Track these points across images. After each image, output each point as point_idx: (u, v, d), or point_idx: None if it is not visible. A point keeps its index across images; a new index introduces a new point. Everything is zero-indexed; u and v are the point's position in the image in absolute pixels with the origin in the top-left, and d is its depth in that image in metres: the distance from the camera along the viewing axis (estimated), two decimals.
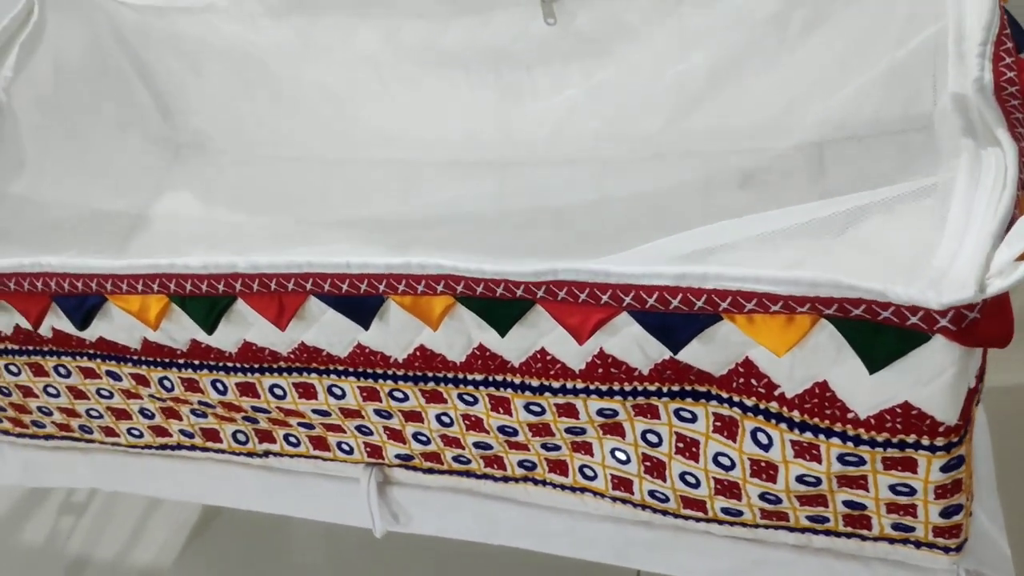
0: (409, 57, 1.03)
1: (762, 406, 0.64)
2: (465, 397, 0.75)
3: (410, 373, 0.75)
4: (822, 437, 0.62)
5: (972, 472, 0.65)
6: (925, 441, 0.58)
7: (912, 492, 0.63)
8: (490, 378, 0.73)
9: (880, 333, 0.54)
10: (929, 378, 0.55)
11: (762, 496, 0.69)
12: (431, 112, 1.10)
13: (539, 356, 0.69)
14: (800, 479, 0.66)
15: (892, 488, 0.63)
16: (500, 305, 0.66)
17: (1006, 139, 0.56)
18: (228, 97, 1.19)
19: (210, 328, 0.75)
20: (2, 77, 1.02)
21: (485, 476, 0.84)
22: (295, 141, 1.23)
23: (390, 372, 0.76)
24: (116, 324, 0.79)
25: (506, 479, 0.83)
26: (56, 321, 0.82)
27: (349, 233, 1.20)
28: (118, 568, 1.45)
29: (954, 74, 0.64)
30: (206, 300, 0.74)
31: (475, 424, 0.78)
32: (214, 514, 1.46)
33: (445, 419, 0.79)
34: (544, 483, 0.82)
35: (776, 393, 0.62)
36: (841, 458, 0.62)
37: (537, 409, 0.73)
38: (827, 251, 0.97)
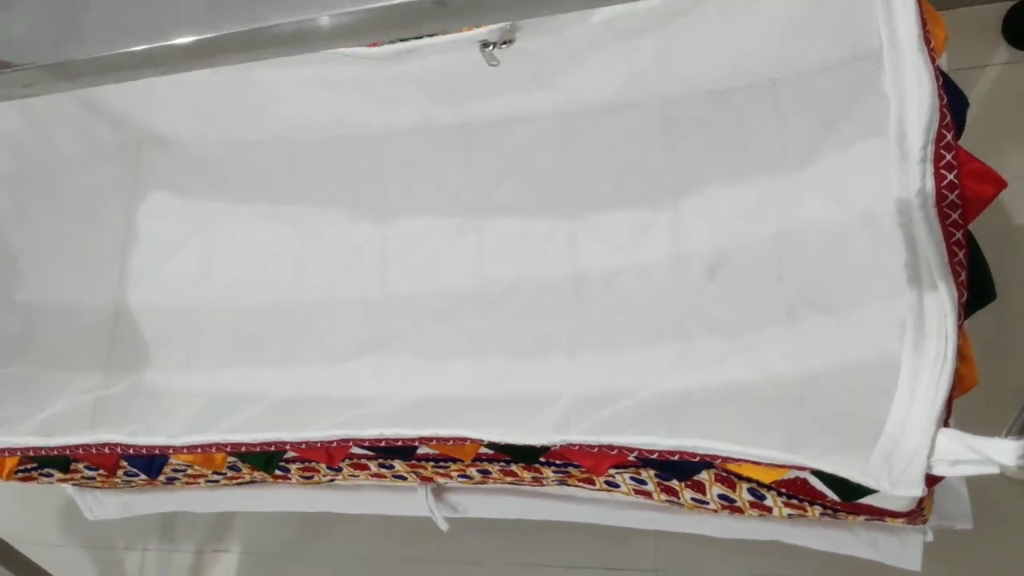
0: (355, 83, 1.01)
1: (754, 479, 0.76)
2: (501, 467, 0.87)
3: (450, 458, 0.87)
4: (806, 503, 0.75)
5: (933, 498, 0.79)
6: (890, 516, 0.72)
7: (883, 522, 0.77)
8: (520, 460, 0.84)
9: (849, 482, 0.65)
10: (890, 501, 0.66)
11: (759, 516, 0.84)
12: (387, 107, 1.10)
13: (561, 456, 0.80)
14: (790, 516, 0.80)
15: (867, 520, 0.77)
16: (523, 450, 0.76)
17: (947, 291, 0.63)
18: (176, 110, 1.17)
19: (269, 471, 0.86)
20: None
21: (525, 484, 0.99)
22: (254, 129, 1.23)
23: (431, 458, 0.88)
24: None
25: (543, 485, 0.98)
26: None
27: (332, 212, 1.24)
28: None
29: (899, 176, 0.68)
30: (262, 455, 0.84)
31: (510, 473, 0.91)
32: None
33: (485, 472, 0.91)
34: (575, 486, 0.97)
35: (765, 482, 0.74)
36: (823, 513, 0.76)
37: (562, 473, 0.85)
38: (789, 191, 1.04)
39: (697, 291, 1.06)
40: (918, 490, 0.58)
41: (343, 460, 0.90)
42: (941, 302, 0.63)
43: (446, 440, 0.76)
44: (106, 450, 0.87)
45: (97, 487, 1.15)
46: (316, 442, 0.79)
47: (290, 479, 1.06)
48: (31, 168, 1.13)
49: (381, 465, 0.91)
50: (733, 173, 1.06)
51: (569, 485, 0.97)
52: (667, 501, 0.90)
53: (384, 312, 1.19)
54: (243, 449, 0.83)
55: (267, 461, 0.84)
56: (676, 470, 0.72)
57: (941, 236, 0.65)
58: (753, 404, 0.92)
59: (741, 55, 1.00)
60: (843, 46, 0.96)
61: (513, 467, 0.87)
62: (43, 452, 0.90)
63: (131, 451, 0.86)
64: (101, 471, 1.03)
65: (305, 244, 1.25)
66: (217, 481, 1.08)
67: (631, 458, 0.74)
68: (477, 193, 1.18)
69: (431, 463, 0.88)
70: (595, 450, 0.72)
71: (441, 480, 0.98)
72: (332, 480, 1.05)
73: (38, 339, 1.08)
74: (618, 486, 0.92)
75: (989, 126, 1.38)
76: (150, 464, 0.88)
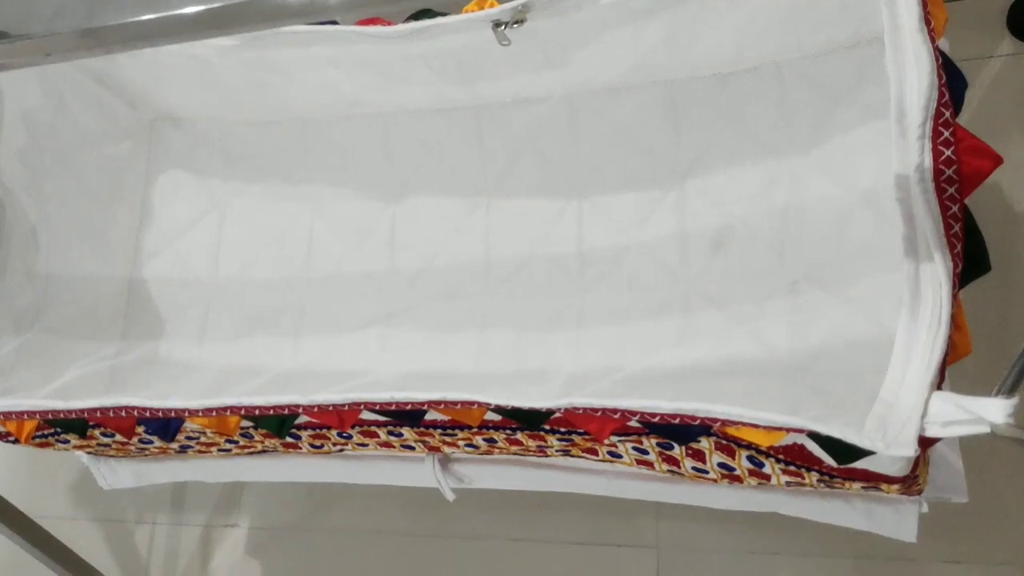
0: (368, 63, 1.03)
1: (753, 445, 0.78)
2: (507, 434, 0.90)
3: (457, 426, 0.89)
4: (803, 470, 0.77)
5: (928, 461, 0.81)
6: (885, 482, 0.74)
7: (879, 490, 0.79)
8: (526, 427, 0.87)
9: (844, 443, 0.67)
10: (886, 464, 0.69)
11: (759, 484, 0.86)
12: (400, 88, 1.12)
13: (566, 422, 0.82)
14: (788, 483, 0.82)
15: (863, 487, 0.80)
16: (529, 414, 0.78)
17: (942, 261, 0.65)
18: (191, 90, 1.19)
19: (282, 435, 0.88)
20: None
21: (530, 455, 1.01)
22: (267, 109, 1.25)
23: (439, 425, 0.90)
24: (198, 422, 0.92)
25: (547, 455, 1.00)
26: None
27: (342, 190, 1.26)
28: None
29: (897, 152, 0.70)
30: (275, 418, 0.86)
31: (516, 442, 0.93)
32: None
33: (491, 440, 0.94)
34: (579, 457, 0.99)
35: (764, 447, 0.77)
36: (820, 479, 0.78)
37: (566, 441, 0.88)
38: (792, 172, 1.06)
39: (702, 269, 1.09)
40: (911, 450, 0.61)
41: (353, 427, 0.93)
42: (936, 271, 0.65)
43: (454, 404, 0.79)
44: (123, 413, 0.90)
45: (111, 455, 1.17)
46: (328, 405, 0.82)
47: (300, 448, 1.08)
48: (48, 143, 1.15)
49: (390, 433, 0.94)
50: (737, 155, 1.09)
51: (572, 456, 0.99)
52: (668, 471, 0.93)
53: (393, 288, 1.21)
54: (257, 413, 0.85)
55: (280, 425, 0.87)
56: (677, 435, 0.74)
57: (938, 209, 0.67)
58: (754, 376, 0.94)
59: (746, 39, 1.02)
60: (847, 29, 0.98)
61: (519, 435, 0.89)
62: (61, 416, 0.93)
63: (148, 414, 0.89)
64: (117, 437, 1.05)
65: (316, 222, 1.27)
66: (229, 450, 1.11)
67: (633, 422, 0.76)
68: (487, 174, 1.20)
69: (439, 431, 0.90)
70: (598, 414, 0.74)
71: (448, 450, 1.00)
72: (342, 450, 1.08)
73: (55, 308, 1.11)
74: (620, 456, 0.95)
75: (992, 116, 1.40)
76: (166, 428, 0.90)
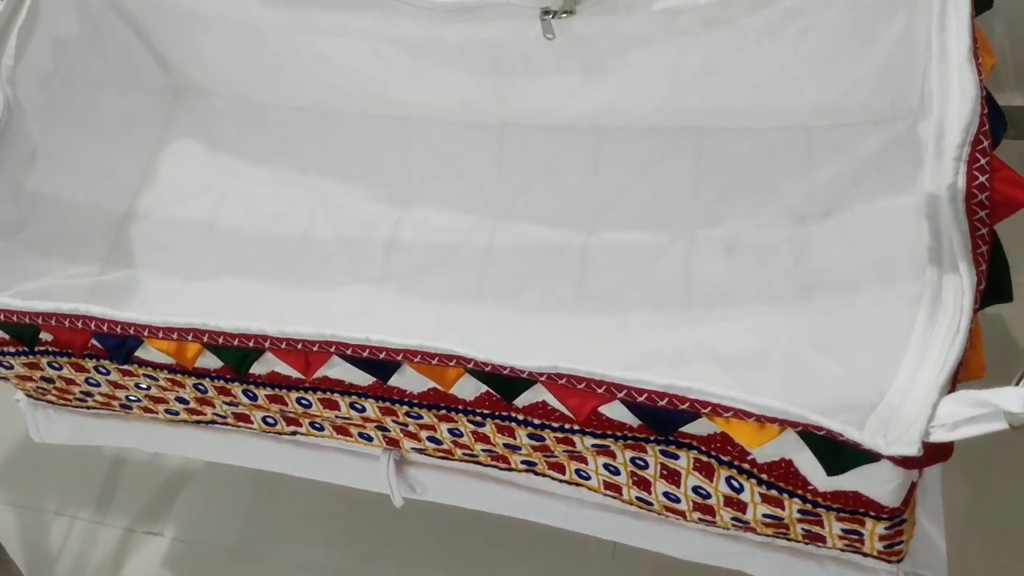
0: (406, 45, 1.03)
1: (735, 463, 0.73)
2: (474, 422, 0.84)
3: (425, 403, 0.84)
4: (785, 496, 0.72)
5: (915, 508, 0.76)
6: (872, 513, 0.69)
7: (860, 535, 0.74)
8: (497, 413, 0.82)
9: (838, 449, 0.63)
10: (878, 483, 0.64)
11: (733, 519, 0.80)
12: (429, 84, 1.12)
13: (541, 405, 0.77)
14: (766, 515, 0.76)
15: (844, 531, 0.74)
16: (507, 380, 0.73)
17: (967, 274, 0.62)
18: (224, 58, 1.19)
19: (241, 372, 0.83)
20: (4, 67, 1.02)
21: (491, 466, 0.95)
22: (295, 92, 1.24)
23: (406, 400, 0.85)
24: (153, 355, 0.87)
25: (510, 470, 0.94)
26: (95, 342, 0.90)
27: (350, 187, 1.24)
28: (156, 465, 1.59)
29: (932, 173, 0.68)
30: (238, 351, 0.81)
31: (483, 439, 0.87)
32: None
33: (456, 432, 0.88)
34: (544, 475, 0.93)
35: (748, 458, 0.72)
36: (800, 511, 0.73)
37: (538, 438, 0.82)
38: (807, 237, 1.04)
39: (700, 319, 1.05)
40: (914, 448, 0.56)
41: (315, 391, 0.87)
42: (959, 280, 0.62)
43: (431, 358, 0.74)
44: (79, 324, 0.84)
45: (52, 400, 1.10)
46: (297, 341, 0.77)
47: (252, 422, 1.02)
48: (71, 76, 1.14)
49: (352, 406, 0.88)
50: (753, 211, 1.07)
51: (537, 473, 0.93)
52: (637, 499, 0.87)
53: (381, 292, 1.18)
54: (220, 341, 0.80)
55: (241, 359, 0.81)
56: (660, 423, 0.69)
57: (967, 224, 0.65)
58: (750, 369, 0.90)
59: (781, 90, 1.02)
60: (883, 99, 0.99)
61: (487, 427, 0.84)
62: (14, 319, 0.88)
63: (105, 328, 0.83)
64: (64, 371, 0.99)
65: (316, 212, 1.24)
66: (177, 413, 1.05)
67: (614, 414, 0.71)
68: (501, 193, 1.18)
69: (404, 407, 0.85)
70: (582, 385, 0.69)
71: (407, 443, 0.94)
72: (295, 433, 1.02)
73: (37, 226, 1.07)
74: (589, 478, 0.89)
75: None
76: (121, 346, 0.85)
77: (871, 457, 0.62)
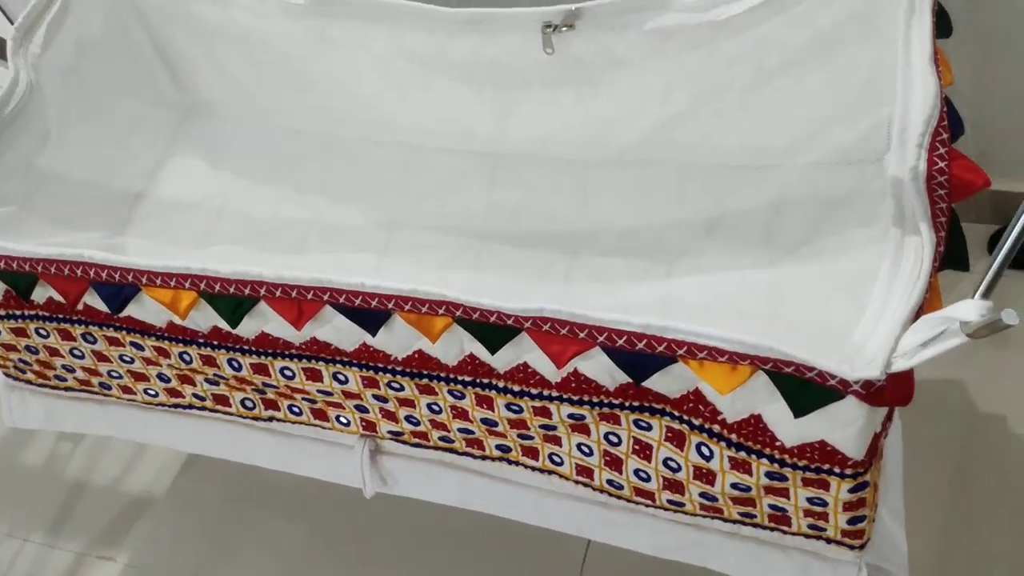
0: (416, 60, 1.10)
1: (706, 426, 0.76)
2: (454, 393, 0.87)
3: (407, 370, 0.86)
4: (753, 457, 0.75)
5: (877, 490, 0.78)
6: (836, 469, 0.71)
7: (824, 504, 0.76)
8: (477, 380, 0.84)
9: (805, 387, 0.66)
10: (842, 425, 0.67)
11: (702, 495, 0.82)
12: (432, 106, 1.18)
13: (521, 368, 0.80)
14: (734, 486, 0.78)
15: (808, 500, 0.76)
16: (492, 329, 0.76)
17: (927, 232, 0.67)
18: (239, 75, 1.26)
19: (234, 323, 0.85)
20: (31, 54, 1.08)
21: (466, 454, 0.96)
22: (299, 115, 1.31)
23: (390, 367, 0.87)
24: (147, 309, 0.89)
25: (484, 457, 0.96)
26: (90, 299, 0.92)
27: (345, 208, 1.29)
28: (114, 492, 1.57)
29: (895, 160, 0.74)
30: (232, 299, 0.84)
31: (461, 414, 0.89)
32: None
33: (435, 407, 0.90)
34: (517, 464, 0.95)
35: (719, 418, 0.74)
36: (768, 474, 0.75)
37: (516, 408, 0.85)
38: (775, 264, 1.09)
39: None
40: (877, 371, 0.60)
41: (300, 359, 0.89)
42: (920, 239, 0.67)
43: (422, 304, 0.77)
44: (79, 272, 0.87)
45: (30, 379, 1.11)
46: (293, 287, 0.80)
47: (230, 406, 1.03)
48: (89, 76, 1.19)
49: (335, 376, 0.90)
50: (730, 241, 1.13)
51: (511, 462, 0.95)
52: (608, 483, 0.89)
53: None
54: (217, 289, 0.83)
55: (235, 308, 0.83)
56: (636, 366, 0.72)
57: (928, 200, 0.71)
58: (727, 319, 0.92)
59: (760, 132, 1.10)
60: (855, 140, 1.06)
61: (466, 398, 0.86)
62: (14, 267, 0.90)
63: (104, 275, 0.86)
64: (51, 339, 1.01)
65: (309, 232, 1.28)
66: (156, 395, 1.06)
67: (591, 373, 0.75)
68: (490, 219, 1.23)
69: (387, 375, 0.87)
70: (565, 330, 0.73)
71: (385, 426, 0.96)
72: (271, 419, 1.03)
73: (42, 202, 1.10)
74: (561, 463, 0.91)
75: None
76: (117, 294, 0.87)
77: (836, 394, 0.65)
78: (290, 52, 1.16)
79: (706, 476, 0.80)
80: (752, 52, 1.00)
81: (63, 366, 1.05)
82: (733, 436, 0.74)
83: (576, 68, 1.03)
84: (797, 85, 1.04)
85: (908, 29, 0.81)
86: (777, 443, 0.72)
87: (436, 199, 1.26)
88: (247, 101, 1.30)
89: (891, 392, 0.63)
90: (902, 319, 0.62)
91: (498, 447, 0.93)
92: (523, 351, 0.78)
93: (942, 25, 0.84)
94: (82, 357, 1.02)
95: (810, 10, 0.93)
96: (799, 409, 0.67)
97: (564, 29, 0.97)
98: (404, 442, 0.98)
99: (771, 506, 0.80)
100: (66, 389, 1.11)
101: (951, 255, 0.70)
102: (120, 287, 0.87)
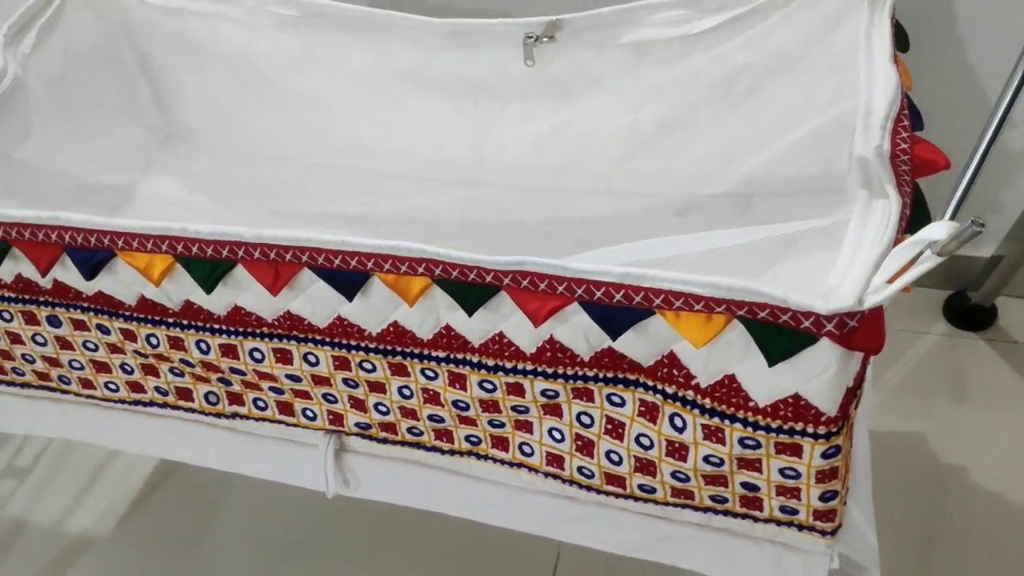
0: (397, 77, 1.14)
1: (680, 393, 0.76)
2: (427, 372, 0.86)
3: (381, 346, 0.86)
4: (727, 422, 0.75)
5: (849, 465, 0.79)
6: (810, 429, 0.72)
7: (797, 476, 0.76)
8: (451, 355, 0.84)
9: (779, 333, 0.67)
10: (815, 373, 0.68)
11: (673, 474, 0.81)
12: (409, 129, 1.22)
13: (497, 338, 0.80)
14: (706, 459, 0.78)
15: (781, 471, 0.76)
16: (471, 289, 0.77)
17: (893, 194, 0.70)
18: (221, 96, 1.29)
19: (208, 288, 0.85)
20: (20, 53, 1.10)
21: (434, 448, 0.95)
22: (277, 141, 1.33)
23: (363, 344, 0.86)
24: (119, 279, 0.88)
25: (452, 452, 0.94)
26: (59, 272, 0.91)
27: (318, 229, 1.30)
28: (56, 532, 1.50)
29: (860, 142, 0.78)
30: (209, 263, 0.83)
31: (432, 398, 0.88)
32: (157, 483, 1.53)
33: (406, 391, 0.89)
34: (486, 458, 0.93)
35: (692, 383, 0.75)
36: (741, 441, 0.75)
37: (489, 386, 0.84)
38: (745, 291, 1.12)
39: None
40: (851, 300, 0.61)
41: (274, 338, 0.89)
42: (887, 201, 0.70)
43: (402, 262, 0.77)
44: (54, 236, 0.86)
45: None
46: (272, 246, 0.80)
47: (192, 401, 1.01)
48: (74, 87, 1.21)
49: (306, 358, 0.89)
50: (698, 266, 1.16)
51: (480, 456, 0.93)
52: (579, 472, 0.88)
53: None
54: (194, 251, 0.83)
55: (211, 271, 0.83)
56: (614, 320, 0.72)
57: (893, 174, 0.74)
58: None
59: (725, 162, 1.14)
60: (817, 170, 1.11)
61: (439, 379, 0.86)
62: None
63: (80, 239, 0.85)
64: (11, 326, 0.99)
65: None
66: (117, 389, 1.03)
67: (568, 336, 0.75)
68: (463, 245, 1.25)
69: (360, 352, 0.86)
70: (544, 284, 0.73)
71: (353, 417, 0.95)
72: (235, 415, 1.01)
73: (18, 186, 1.09)
74: (532, 453, 0.90)
75: (922, 382, 1.50)
76: (91, 258, 0.86)
77: (811, 339, 0.66)
78: (273, 69, 1.19)
79: (679, 451, 0.79)
80: (721, 77, 1.05)
81: (23, 355, 1.03)
82: (707, 401, 0.75)
83: (552, 85, 1.08)
84: (761, 114, 1.09)
85: (868, 34, 0.87)
86: (751, 403, 0.72)
87: (410, 222, 1.28)
88: (226, 124, 1.32)
89: (863, 334, 0.64)
90: (873, 261, 0.64)
91: (468, 438, 0.92)
92: (500, 319, 0.79)
93: (900, 40, 0.90)
94: (44, 344, 1.00)
95: (774, 27, 0.99)
96: (773, 356, 0.68)
97: (545, 40, 1.01)
98: (371, 437, 0.97)
99: (744, 484, 0.79)
100: (23, 385, 1.08)
101: (916, 218, 0.73)
102: (94, 251, 0.86)
